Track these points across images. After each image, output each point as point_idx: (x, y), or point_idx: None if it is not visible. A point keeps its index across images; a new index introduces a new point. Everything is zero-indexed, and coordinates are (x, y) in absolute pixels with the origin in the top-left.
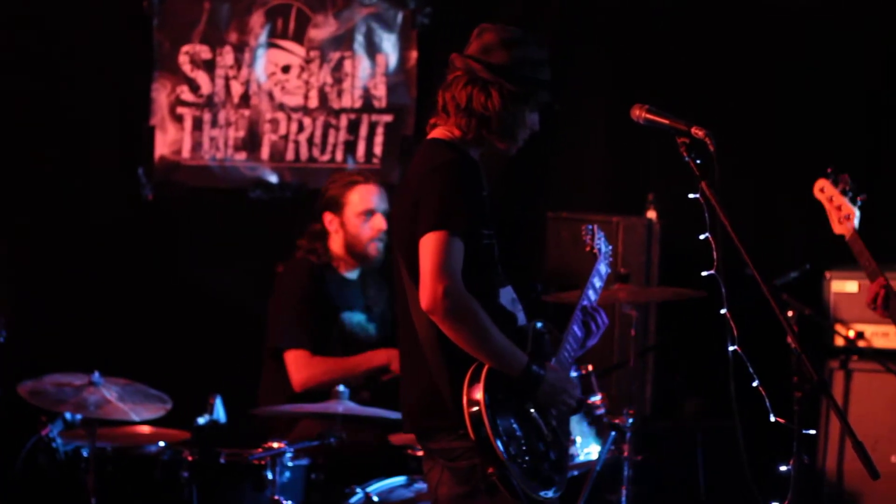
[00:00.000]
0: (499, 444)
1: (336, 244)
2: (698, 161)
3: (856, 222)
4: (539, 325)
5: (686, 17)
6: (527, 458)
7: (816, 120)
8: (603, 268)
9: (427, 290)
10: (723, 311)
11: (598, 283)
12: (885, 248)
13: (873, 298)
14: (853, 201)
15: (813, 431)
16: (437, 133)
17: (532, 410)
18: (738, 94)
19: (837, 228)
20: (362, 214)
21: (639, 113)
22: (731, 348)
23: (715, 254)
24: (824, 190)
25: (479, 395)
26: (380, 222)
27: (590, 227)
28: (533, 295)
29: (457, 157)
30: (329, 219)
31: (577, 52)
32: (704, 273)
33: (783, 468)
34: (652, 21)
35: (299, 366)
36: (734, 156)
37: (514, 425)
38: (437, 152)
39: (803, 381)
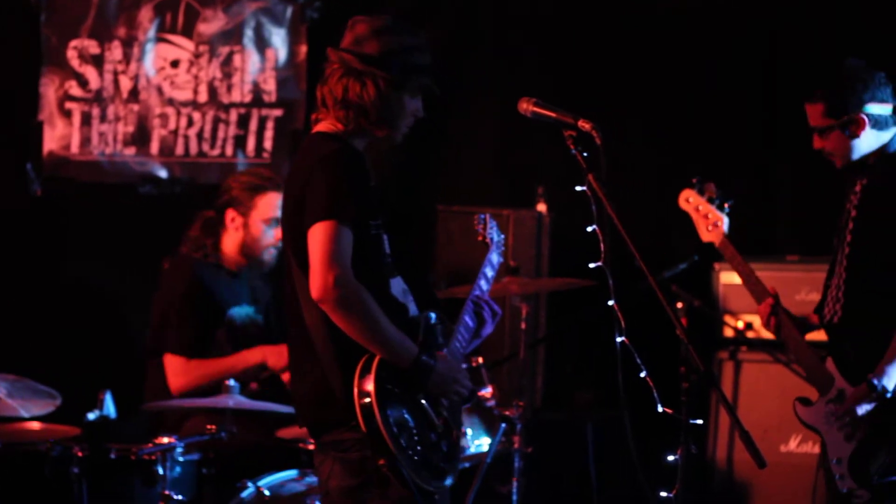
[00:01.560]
0: (389, 435)
1: (231, 243)
2: (585, 154)
3: (725, 228)
4: (431, 315)
5: (580, 11)
6: (418, 448)
7: (709, 113)
8: (495, 257)
9: (317, 280)
10: (610, 303)
11: (490, 272)
12: (778, 245)
13: (766, 322)
14: (721, 208)
15: (700, 421)
16: (321, 127)
17: (423, 401)
18: (629, 87)
19: (706, 236)
20: (268, 221)
21: (526, 106)
22: (618, 339)
23: (602, 246)
24: (690, 200)
25: (369, 386)
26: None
27: (482, 216)
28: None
29: (340, 149)
30: (232, 216)
31: (468, 46)
32: (592, 265)
33: (671, 458)
34: (544, 16)
35: (175, 372)
36: (624, 148)
37: (406, 416)
38: (320, 145)
39: (691, 371)
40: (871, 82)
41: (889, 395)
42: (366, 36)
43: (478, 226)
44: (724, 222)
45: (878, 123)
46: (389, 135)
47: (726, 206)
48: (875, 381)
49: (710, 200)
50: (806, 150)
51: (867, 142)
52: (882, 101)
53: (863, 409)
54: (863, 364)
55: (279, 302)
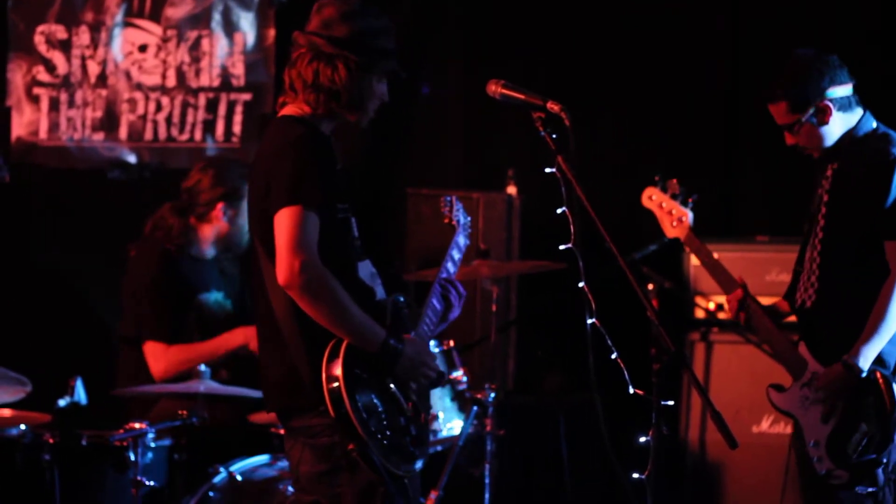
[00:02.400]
0: (358, 420)
1: (212, 232)
2: (554, 136)
3: (690, 223)
4: (398, 298)
5: None
6: (388, 433)
7: (677, 95)
8: (461, 239)
9: (283, 266)
10: (581, 285)
11: (456, 254)
12: (747, 226)
13: (735, 314)
14: (684, 203)
15: (671, 402)
16: (287, 111)
17: (392, 385)
18: (598, 70)
19: (671, 232)
20: None
21: (494, 88)
22: (589, 321)
23: (572, 228)
24: (653, 197)
25: (338, 371)
26: None
27: (448, 198)
28: (392, 271)
29: (306, 132)
30: (224, 209)
31: (435, 28)
32: (563, 247)
33: (642, 439)
34: None
35: (157, 357)
36: (593, 130)
37: (375, 400)
38: (286, 129)
39: (662, 353)
40: (826, 67)
41: (864, 375)
42: (334, 19)
43: (444, 208)
44: (689, 217)
45: (843, 106)
46: (358, 118)
47: (690, 200)
48: (850, 362)
49: (674, 196)
50: (773, 131)
51: (837, 127)
52: (841, 83)
53: (837, 389)
54: (837, 347)
55: (249, 286)
